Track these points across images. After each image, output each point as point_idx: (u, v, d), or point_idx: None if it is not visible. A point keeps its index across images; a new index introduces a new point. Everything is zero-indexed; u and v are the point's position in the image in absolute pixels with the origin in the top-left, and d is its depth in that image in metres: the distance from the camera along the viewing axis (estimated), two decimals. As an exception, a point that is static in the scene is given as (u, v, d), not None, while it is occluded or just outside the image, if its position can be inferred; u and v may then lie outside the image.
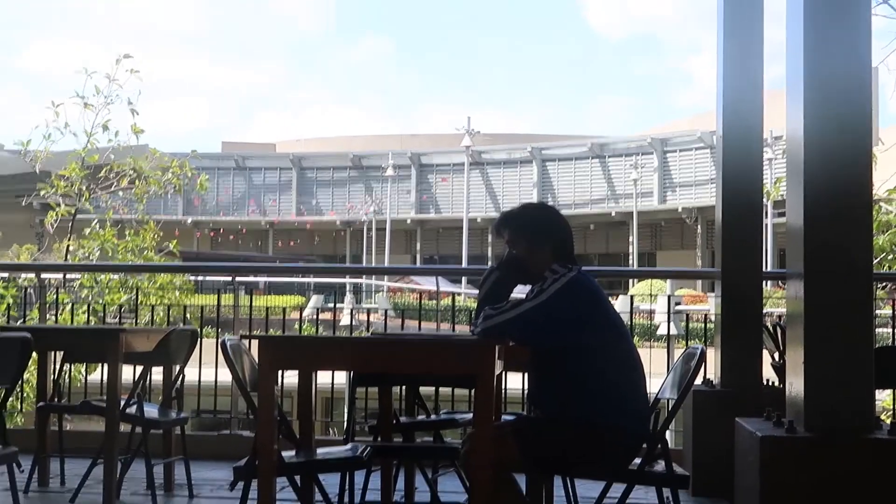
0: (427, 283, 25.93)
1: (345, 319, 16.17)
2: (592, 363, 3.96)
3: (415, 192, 47.72)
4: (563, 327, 3.94)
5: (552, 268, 4.07)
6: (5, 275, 10.75)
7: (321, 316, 10.26)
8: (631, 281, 28.09)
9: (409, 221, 47.03)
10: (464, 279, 32.10)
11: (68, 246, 13.57)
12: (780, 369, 5.75)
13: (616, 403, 3.95)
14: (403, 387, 5.69)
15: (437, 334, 6.86)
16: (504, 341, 4.05)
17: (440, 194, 47.91)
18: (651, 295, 22.33)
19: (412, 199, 47.72)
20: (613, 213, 44.09)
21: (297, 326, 19.54)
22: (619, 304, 15.08)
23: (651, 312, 18.65)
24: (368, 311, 11.16)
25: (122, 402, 5.41)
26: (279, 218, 48.06)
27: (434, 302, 15.14)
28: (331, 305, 15.37)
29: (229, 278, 9.12)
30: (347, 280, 26.35)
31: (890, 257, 10.30)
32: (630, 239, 42.92)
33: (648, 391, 4.17)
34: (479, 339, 3.98)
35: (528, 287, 4.12)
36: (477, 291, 4.30)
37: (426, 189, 48.10)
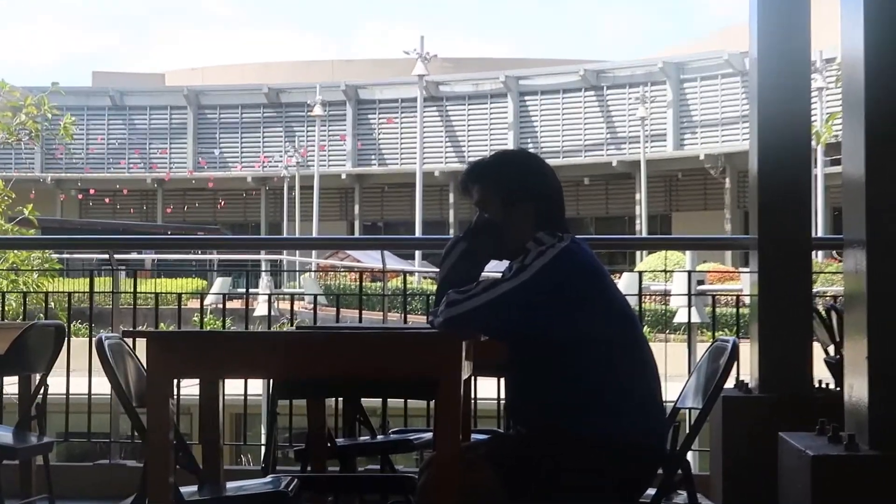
0: (369, 259, 25.91)
1: (260, 309, 16.19)
2: (590, 362, 3.98)
3: (351, 137, 47.60)
4: (552, 315, 3.95)
5: (536, 237, 4.08)
6: None
7: (229, 305, 10.23)
8: (639, 253, 28.25)
9: (344, 177, 46.93)
10: (418, 253, 32.14)
11: None
12: (836, 367, 5.80)
13: (622, 414, 3.97)
14: (340, 398, 5.69)
15: (385, 327, 6.87)
16: (474, 335, 4.06)
17: (385, 140, 47.84)
18: (666, 271, 22.44)
19: (348, 146, 47.60)
20: (615, 163, 44.18)
21: (196, 319, 19.44)
22: (624, 283, 15.13)
23: (666, 294, 18.74)
24: (292, 298, 11.17)
25: (-35, 424, 5.38)
26: (171, 174, 47.81)
27: (379, 284, 15.16)
28: (241, 291, 15.34)
29: (105, 255, 9.06)
30: (263, 256, 26.32)
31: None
32: (637, 197, 43.08)
33: (664, 398, 4.20)
34: (441, 333, 3.99)
35: (505, 263, 4.12)
36: (437, 269, 4.29)
37: (366, 133, 47.99)
